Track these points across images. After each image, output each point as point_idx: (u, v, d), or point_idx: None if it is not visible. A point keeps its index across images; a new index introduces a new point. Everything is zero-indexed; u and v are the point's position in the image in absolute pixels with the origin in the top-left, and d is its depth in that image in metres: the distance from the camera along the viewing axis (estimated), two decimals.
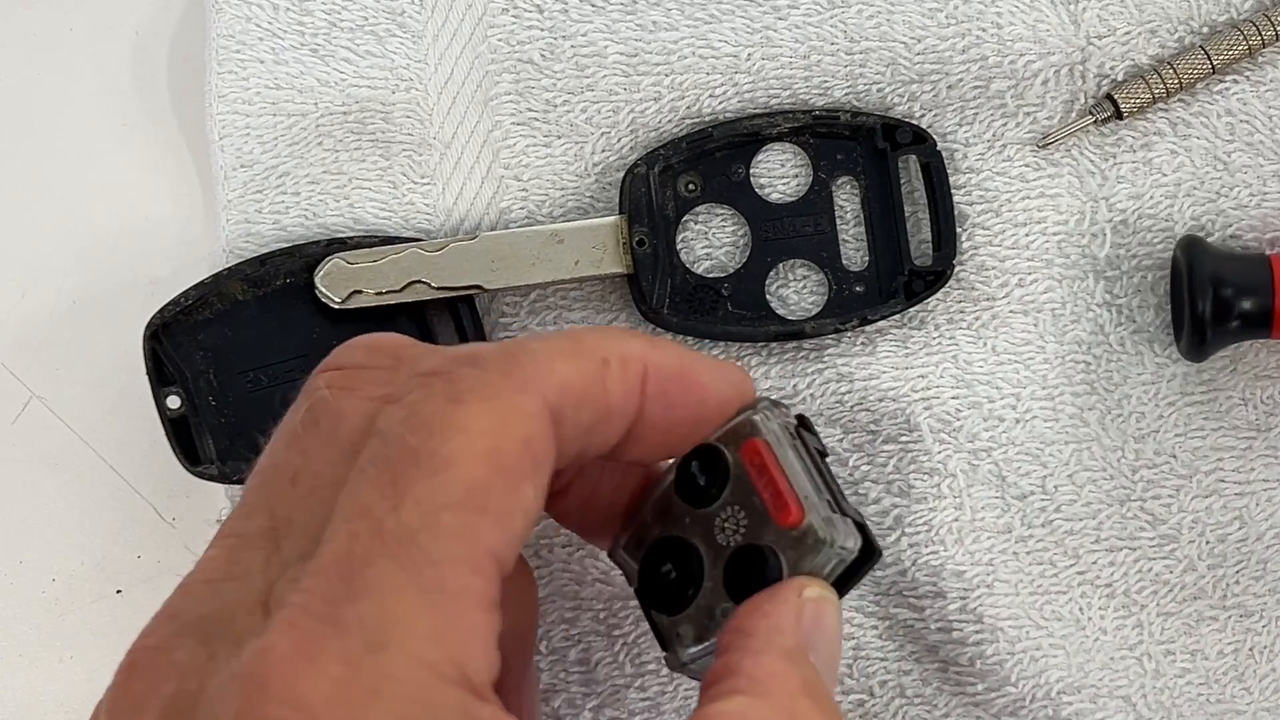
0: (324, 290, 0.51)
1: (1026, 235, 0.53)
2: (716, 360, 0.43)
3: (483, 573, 0.34)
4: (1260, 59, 0.53)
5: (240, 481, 0.51)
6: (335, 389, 0.38)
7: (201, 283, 0.51)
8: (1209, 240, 0.52)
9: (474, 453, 0.35)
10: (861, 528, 0.39)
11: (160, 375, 0.51)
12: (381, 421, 0.36)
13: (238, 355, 0.52)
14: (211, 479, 0.51)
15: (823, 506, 0.39)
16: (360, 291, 0.51)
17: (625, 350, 0.39)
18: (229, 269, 0.52)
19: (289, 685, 0.31)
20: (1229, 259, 0.51)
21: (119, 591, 0.56)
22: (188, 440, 0.51)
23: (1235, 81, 0.53)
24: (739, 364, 0.53)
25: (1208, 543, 0.52)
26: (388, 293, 0.51)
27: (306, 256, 0.52)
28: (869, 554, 0.39)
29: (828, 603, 0.38)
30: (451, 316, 0.53)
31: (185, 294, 0.51)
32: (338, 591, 0.32)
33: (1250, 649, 0.52)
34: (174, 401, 0.51)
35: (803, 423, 0.42)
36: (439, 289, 0.51)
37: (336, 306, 0.51)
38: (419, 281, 0.51)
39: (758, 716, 0.36)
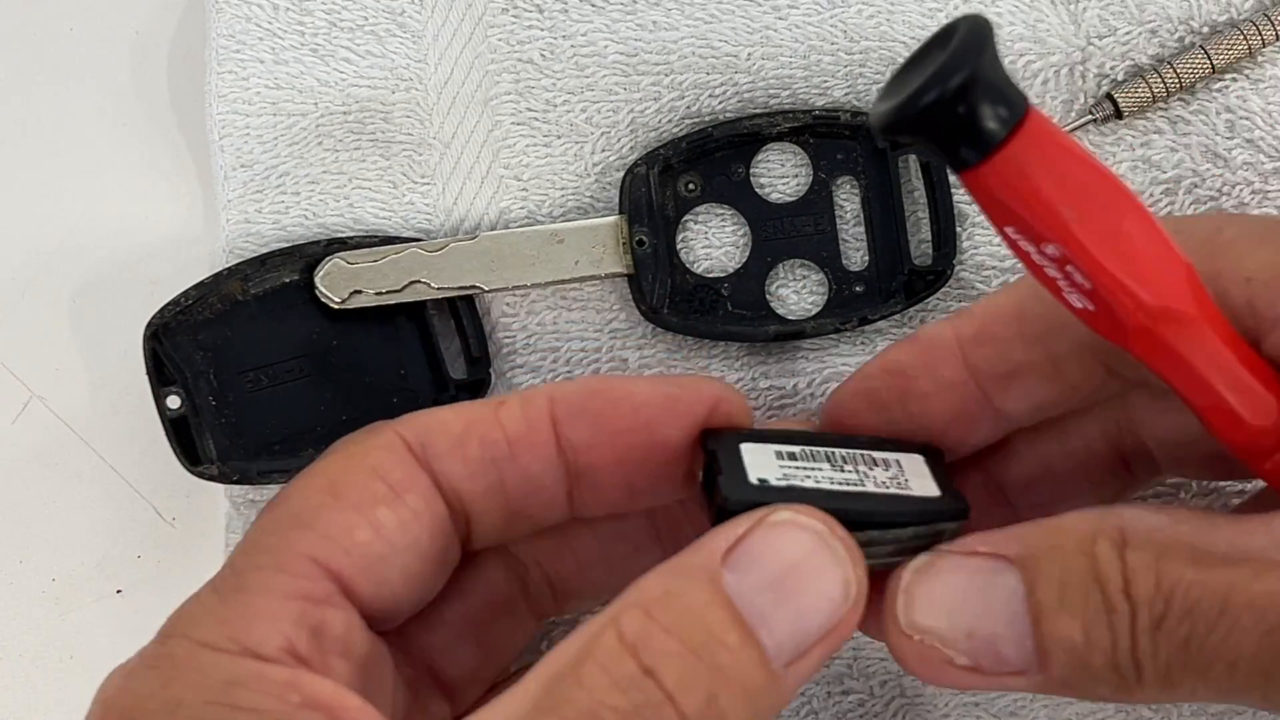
0: (324, 290, 0.51)
1: None
2: (645, 376, 0.43)
3: (290, 571, 0.36)
4: (1260, 58, 0.53)
5: (240, 482, 0.51)
6: None
7: (201, 283, 0.51)
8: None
9: (310, 486, 0.38)
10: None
11: (160, 375, 0.51)
12: None
13: (238, 355, 0.52)
14: (212, 479, 0.51)
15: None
16: (360, 291, 0.51)
17: (527, 392, 0.41)
18: (229, 269, 0.52)
19: (101, 688, 0.35)
20: (1002, 70, 0.35)
21: (119, 591, 0.56)
22: (188, 440, 0.51)
23: (1234, 79, 0.53)
24: (740, 368, 0.53)
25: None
26: (388, 292, 0.51)
27: (306, 256, 0.52)
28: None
29: (790, 527, 0.36)
30: (452, 316, 0.53)
31: (185, 294, 0.51)
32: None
33: None
34: (174, 401, 0.51)
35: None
36: (439, 289, 0.52)
37: (336, 306, 0.51)
38: (419, 281, 0.51)
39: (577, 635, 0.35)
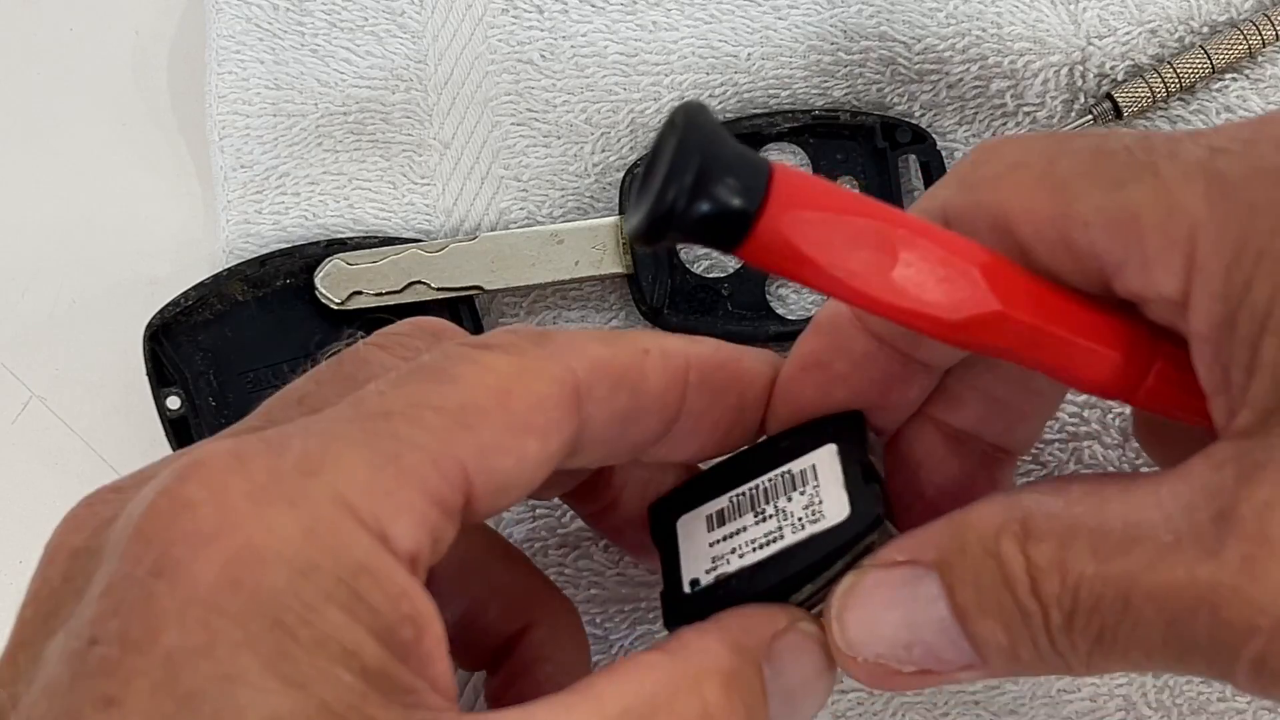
0: (324, 291, 0.51)
1: None
2: (754, 349, 0.42)
3: (442, 472, 0.33)
4: (1260, 58, 0.53)
5: None
6: (370, 345, 0.38)
7: (201, 283, 0.52)
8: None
9: (482, 381, 0.35)
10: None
11: (160, 376, 0.51)
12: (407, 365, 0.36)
13: (238, 356, 0.52)
14: None
15: None
16: (360, 292, 0.51)
17: (666, 343, 0.39)
18: (229, 270, 0.52)
19: (212, 475, 0.31)
20: (732, 145, 0.35)
21: None
22: (188, 440, 0.51)
23: (1234, 79, 0.53)
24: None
25: None
26: (388, 293, 0.51)
27: (306, 257, 0.52)
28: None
29: (817, 644, 0.38)
30: (451, 317, 0.53)
31: (185, 295, 0.51)
32: (293, 430, 0.33)
33: None
34: (174, 402, 0.51)
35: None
36: (439, 290, 0.52)
37: (336, 307, 0.51)
38: (419, 282, 0.51)
39: (659, 672, 0.35)
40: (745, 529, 0.40)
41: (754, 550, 0.39)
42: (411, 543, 0.33)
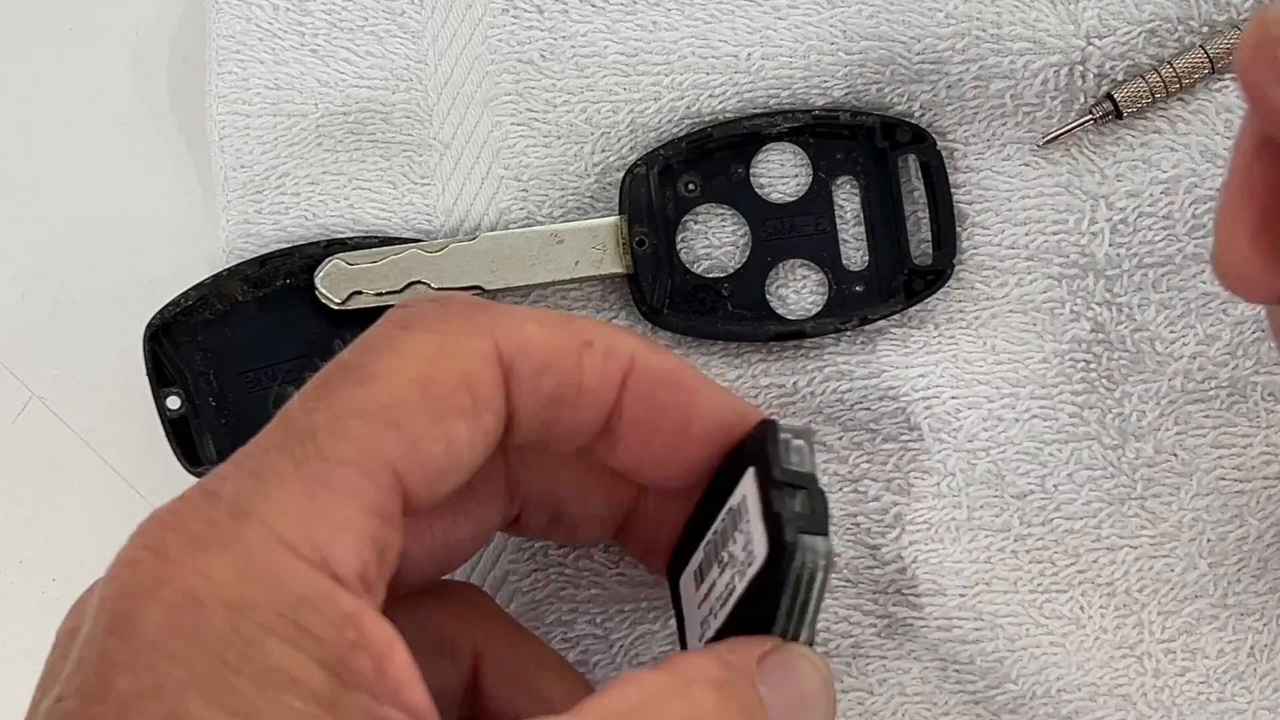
0: (324, 291, 0.51)
1: (1026, 234, 0.53)
2: (719, 385, 0.42)
3: (375, 481, 0.35)
4: None
5: None
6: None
7: (201, 283, 0.52)
8: None
9: (402, 373, 0.36)
10: None
11: (160, 376, 0.51)
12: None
13: (238, 356, 0.52)
14: None
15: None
16: (360, 293, 0.51)
17: (615, 341, 0.40)
18: (229, 269, 0.52)
19: (153, 533, 0.34)
20: None
21: None
22: (188, 441, 0.51)
23: (1234, 79, 0.53)
24: (740, 368, 0.53)
25: (1208, 540, 0.52)
26: (388, 294, 0.51)
27: (306, 257, 0.52)
28: None
29: (806, 662, 0.38)
30: None
31: (185, 295, 0.51)
32: (226, 471, 0.35)
33: (1250, 648, 0.51)
34: (174, 402, 0.51)
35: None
36: (439, 289, 0.52)
37: (336, 307, 0.51)
38: (419, 282, 0.51)
39: (649, 681, 0.35)
40: (715, 583, 0.40)
41: (722, 606, 0.40)
42: (356, 560, 0.34)
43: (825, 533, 0.38)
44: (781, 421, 0.41)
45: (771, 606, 0.38)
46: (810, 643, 0.39)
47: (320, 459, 0.34)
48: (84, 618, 0.34)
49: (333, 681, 0.32)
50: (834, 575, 0.51)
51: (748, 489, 0.39)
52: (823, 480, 0.41)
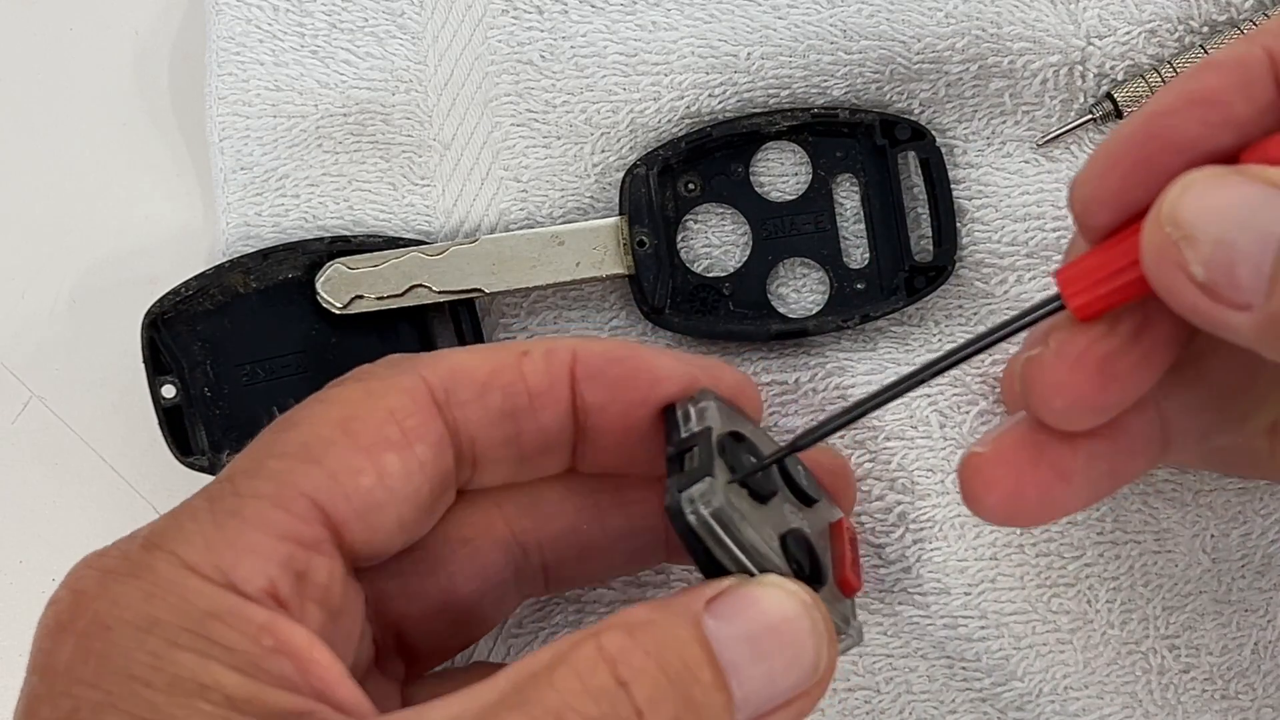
0: (325, 296, 0.51)
1: (1025, 230, 0.52)
2: (671, 350, 0.43)
3: (288, 509, 0.36)
4: None
5: None
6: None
7: (203, 274, 0.51)
8: None
9: (324, 417, 0.38)
10: None
11: (157, 364, 0.51)
12: None
13: (235, 348, 0.52)
14: (202, 470, 0.51)
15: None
16: (361, 296, 0.51)
17: (552, 342, 0.42)
18: (231, 261, 0.52)
19: (75, 573, 0.36)
20: None
21: None
22: (180, 430, 0.51)
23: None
24: (742, 366, 0.52)
25: (1211, 537, 0.52)
26: (389, 297, 0.51)
27: (309, 253, 0.52)
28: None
29: (771, 590, 0.37)
30: (451, 319, 0.53)
31: (186, 284, 0.51)
32: (155, 520, 0.37)
33: (1254, 645, 0.51)
34: (169, 391, 0.51)
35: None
36: (440, 292, 0.51)
37: (338, 312, 0.51)
38: (420, 285, 0.51)
39: (563, 639, 0.35)
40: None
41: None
42: (262, 579, 0.35)
43: (708, 474, 0.38)
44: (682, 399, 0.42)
45: (712, 561, 0.38)
46: (810, 578, 0.39)
47: (234, 495, 0.36)
48: None
49: (249, 683, 0.33)
50: None
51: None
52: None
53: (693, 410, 0.41)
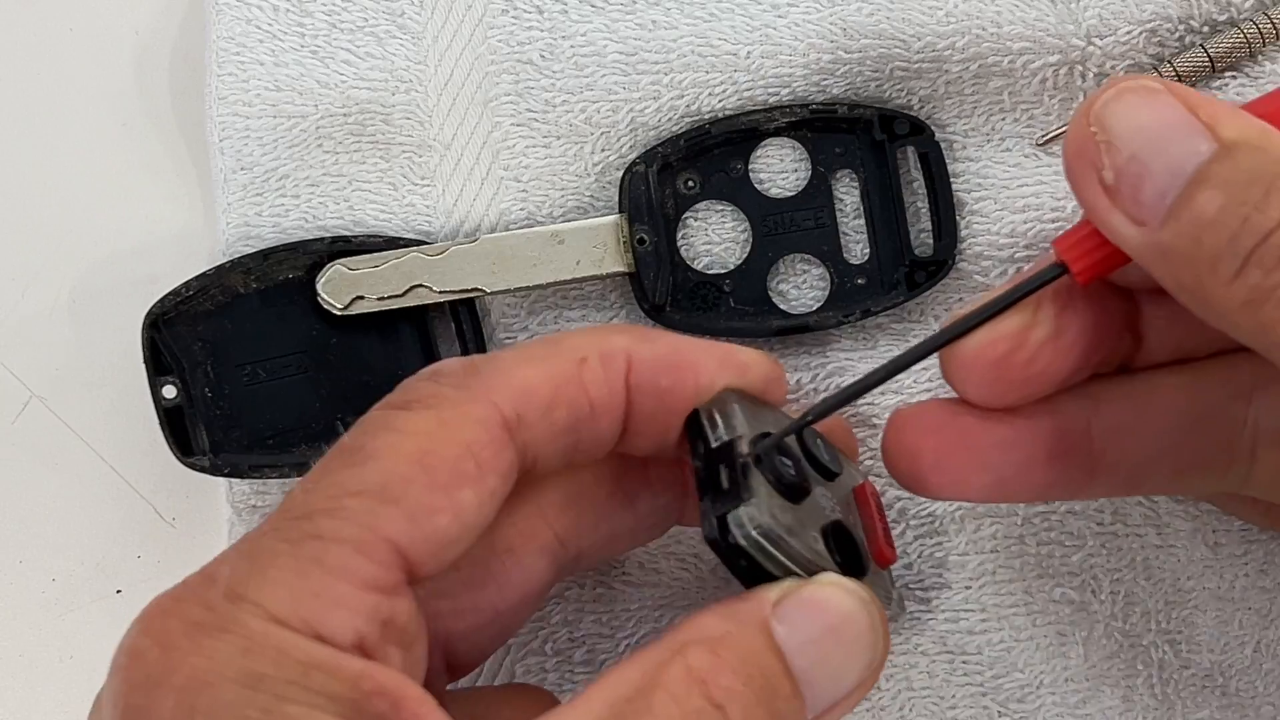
0: (326, 297, 0.51)
1: (1024, 222, 0.52)
2: (712, 343, 0.43)
3: (372, 556, 0.35)
4: (1260, 57, 0.53)
5: (231, 475, 0.51)
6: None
7: (204, 274, 0.51)
8: None
9: (400, 450, 0.37)
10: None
11: (158, 364, 0.51)
12: None
13: (236, 348, 0.52)
14: (203, 470, 0.51)
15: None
16: (362, 297, 0.51)
17: (606, 346, 0.41)
18: (232, 261, 0.52)
19: (154, 621, 0.34)
20: None
21: (119, 591, 0.55)
22: (181, 430, 0.51)
23: (1234, 78, 0.53)
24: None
25: (1213, 532, 0.51)
26: (389, 297, 0.51)
27: (310, 253, 0.52)
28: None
29: (830, 589, 0.38)
30: (452, 319, 0.53)
31: (187, 284, 0.51)
32: (227, 555, 0.36)
33: (1257, 643, 0.51)
34: (170, 391, 0.51)
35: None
36: (441, 292, 0.51)
37: (339, 313, 0.51)
38: (421, 285, 0.51)
39: (648, 657, 0.36)
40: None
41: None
42: (351, 633, 0.34)
43: (748, 494, 0.38)
44: (704, 403, 0.41)
45: (761, 576, 0.38)
46: (858, 573, 0.39)
47: (316, 539, 0.35)
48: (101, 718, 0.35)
49: None
50: None
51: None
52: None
53: (718, 416, 0.41)
